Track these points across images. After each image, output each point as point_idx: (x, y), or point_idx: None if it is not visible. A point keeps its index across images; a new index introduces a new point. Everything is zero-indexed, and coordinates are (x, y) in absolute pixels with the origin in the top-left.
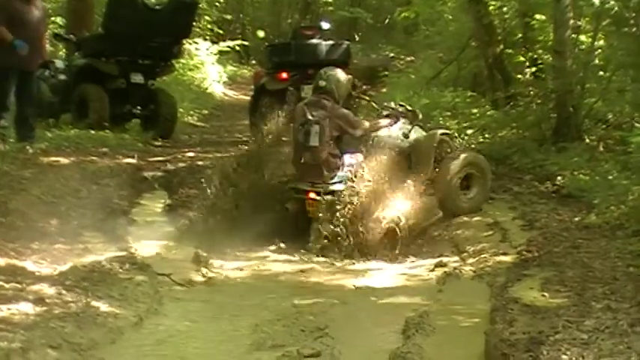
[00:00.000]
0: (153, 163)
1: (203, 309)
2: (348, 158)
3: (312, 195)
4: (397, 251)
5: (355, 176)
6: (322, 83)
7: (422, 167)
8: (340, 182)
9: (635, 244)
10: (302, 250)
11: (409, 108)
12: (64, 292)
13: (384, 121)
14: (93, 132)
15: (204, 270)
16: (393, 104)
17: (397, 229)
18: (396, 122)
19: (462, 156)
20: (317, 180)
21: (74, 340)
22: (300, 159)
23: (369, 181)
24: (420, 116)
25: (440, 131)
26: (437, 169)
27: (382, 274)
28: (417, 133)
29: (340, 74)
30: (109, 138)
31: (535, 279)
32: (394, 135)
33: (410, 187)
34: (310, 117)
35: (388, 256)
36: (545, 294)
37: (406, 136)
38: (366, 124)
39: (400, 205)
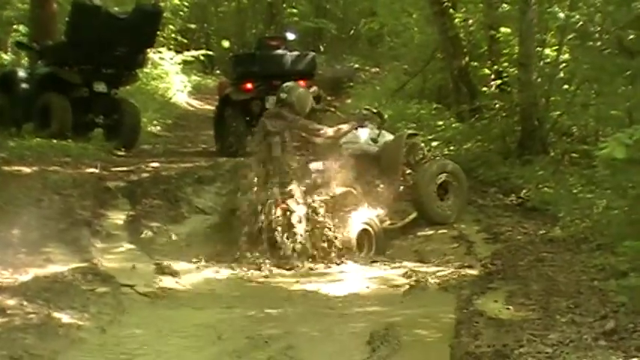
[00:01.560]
0: (116, 173)
1: (167, 320)
2: (314, 166)
3: (283, 205)
4: (372, 252)
5: (322, 184)
6: (283, 96)
7: (392, 170)
8: (309, 189)
9: (599, 257)
10: (269, 260)
11: (374, 110)
12: (25, 302)
13: (346, 126)
14: (55, 141)
15: (168, 281)
16: (357, 110)
17: (371, 231)
18: (359, 126)
19: (438, 163)
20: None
21: (35, 351)
22: (264, 169)
23: (337, 187)
24: (386, 116)
25: (407, 132)
26: (410, 175)
27: (348, 283)
28: (385, 138)
29: (301, 88)
30: (71, 147)
31: (500, 292)
32: (362, 140)
33: (382, 191)
34: (271, 128)
35: (359, 260)
36: (510, 307)
37: (375, 140)
38: (329, 131)
39: (372, 209)
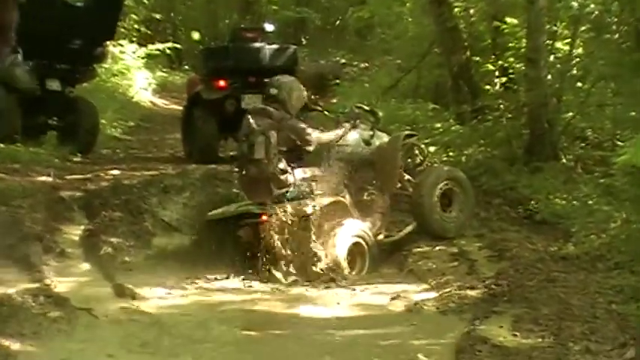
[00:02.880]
0: (71, 182)
1: (129, 348)
2: (299, 173)
3: (265, 218)
4: (365, 270)
5: (309, 192)
6: (273, 91)
7: (387, 177)
8: (293, 200)
9: (617, 277)
10: (250, 279)
11: (366, 108)
12: None
13: (340, 130)
14: (2, 146)
15: (130, 303)
16: (349, 109)
17: (364, 245)
18: (352, 128)
19: (440, 168)
20: (264, 198)
21: None
22: (244, 174)
23: (327, 196)
24: (381, 114)
25: (404, 132)
26: (409, 182)
27: (337, 304)
28: (379, 139)
29: (295, 83)
30: (20, 153)
31: (505, 316)
32: (354, 143)
33: (375, 200)
34: (255, 127)
35: (348, 279)
36: (517, 333)
37: (367, 142)
38: (322, 136)
39: (365, 220)
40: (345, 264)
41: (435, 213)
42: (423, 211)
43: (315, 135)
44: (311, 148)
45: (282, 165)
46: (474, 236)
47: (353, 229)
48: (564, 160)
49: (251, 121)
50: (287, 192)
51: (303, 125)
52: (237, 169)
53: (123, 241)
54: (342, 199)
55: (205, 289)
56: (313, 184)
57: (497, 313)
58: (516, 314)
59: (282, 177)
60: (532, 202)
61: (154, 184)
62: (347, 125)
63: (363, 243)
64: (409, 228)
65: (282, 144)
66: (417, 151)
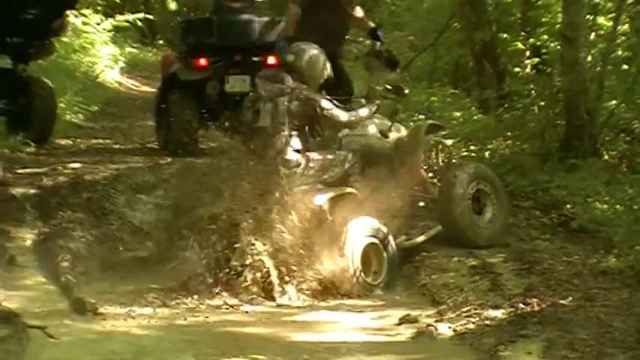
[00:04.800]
0: (24, 177)
1: None
2: (314, 156)
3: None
4: (382, 277)
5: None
6: (290, 58)
7: (407, 174)
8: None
9: None
10: (225, 297)
11: (388, 87)
12: None
13: (361, 112)
14: None
15: (90, 322)
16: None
17: (381, 247)
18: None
19: (470, 166)
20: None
21: None
22: (247, 147)
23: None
24: (407, 92)
25: (427, 122)
26: (434, 184)
27: (337, 327)
28: (398, 131)
29: (318, 53)
30: None
31: (535, 341)
32: (369, 133)
33: (394, 200)
34: (263, 92)
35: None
36: None
37: (385, 135)
38: (341, 115)
39: (383, 220)
40: (357, 271)
41: (467, 217)
42: (452, 216)
43: (336, 112)
44: (330, 128)
45: (293, 142)
46: (498, 246)
47: (368, 228)
48: (606, 157)
49: (259, 85)
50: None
51: (320, 98)
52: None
53: (84, 247)
54: (355, 191)
55: (182, 307)
56: (324, 171)
57: (525, 337)
58: (548, 338)
59: (293, 156)
60: (568, 206)
61: (122, 180)
62: (371, 107)
63: (380, 245)
64: (433, 231)
65: (293, 118)
66: (440, 147)
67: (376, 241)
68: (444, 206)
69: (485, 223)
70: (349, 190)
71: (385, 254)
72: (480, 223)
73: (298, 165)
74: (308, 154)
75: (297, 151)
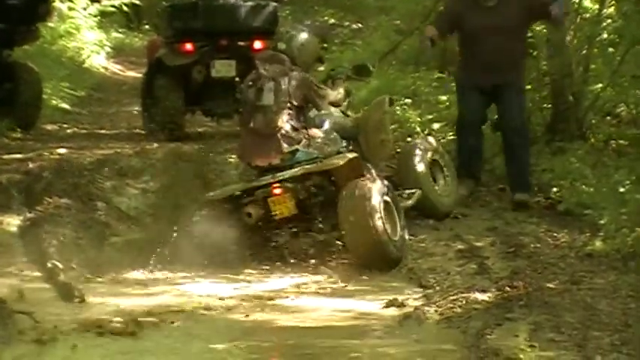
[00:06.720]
0: (9, 162)
1: None
2: (315, 132)
3: (277, 190)
4: (399, 231)
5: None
6: (281, 45)
7: (377, 146)
8: (301, 163)
9: None
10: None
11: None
12: None
13: (338, 92)
14: None
15: (77, 309)
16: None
17: (392, 204)
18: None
19: (427, 139)
20: (273, 157)
21: None
22: (249, 125)
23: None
24: (373, 69)
25: (387, 97)
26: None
27: (323, 311)
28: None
29: (307, 36)
30: None
31: (521, 324)
32: (335, 112)
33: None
34: (263, 72)
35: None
36: (535, 344)
37: (345, 114)
38: (331, 94)
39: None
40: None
41: (430, 186)
42: (417, 183)
43: (328, 91)
44: (323, 106)
45: (295, 120)
46: (484, 229)
47: (379, 188)
48: (592, 140)
49: (259, 65)
50: (296, 150)
51: (314, 80)
52: (240, 124)
53: (70, 232)
54: (358, 155)
55: (169, 291)
56: (322, 148)
57: (511, 320)
58: (535, 321)
59: (294, 134)
60: (554, 189)
61: (108, 165)
62: (343, 88)
63: (391, 202)
64: (417, 195)
65: (291, 97)
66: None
67: (388, 199)
68: (408, 175)
69: (443, 191)
70: (354, 155)
71: (396, 212)
72: (439, 190)
73: (299, 142)
74: (308, 130)
75: (296, 128)
